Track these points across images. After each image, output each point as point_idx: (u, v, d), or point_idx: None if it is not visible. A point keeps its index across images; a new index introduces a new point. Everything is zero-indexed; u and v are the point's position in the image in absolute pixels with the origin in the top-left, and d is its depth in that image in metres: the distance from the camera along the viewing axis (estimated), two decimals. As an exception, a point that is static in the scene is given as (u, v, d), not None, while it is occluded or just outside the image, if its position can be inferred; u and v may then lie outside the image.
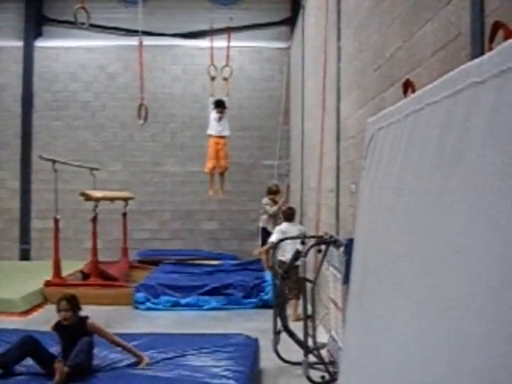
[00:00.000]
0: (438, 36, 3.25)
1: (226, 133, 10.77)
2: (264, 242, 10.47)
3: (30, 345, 4.89)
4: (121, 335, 5.83)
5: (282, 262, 7.69)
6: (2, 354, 4.88)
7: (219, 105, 10.61)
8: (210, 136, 10.76)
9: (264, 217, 10.91)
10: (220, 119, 10.66)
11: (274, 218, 10.71)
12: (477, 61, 1.94)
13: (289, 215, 8.81)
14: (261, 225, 11.00)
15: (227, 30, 11.35)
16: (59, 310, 4.89)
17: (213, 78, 10.94)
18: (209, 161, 10.73)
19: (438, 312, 1.97)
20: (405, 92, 2.97)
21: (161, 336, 5.87)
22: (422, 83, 2.91)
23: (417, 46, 3.66)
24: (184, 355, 5.14)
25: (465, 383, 1.69)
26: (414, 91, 2.88)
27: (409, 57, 3.83)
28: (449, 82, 2.14)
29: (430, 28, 3.41)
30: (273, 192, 11.01)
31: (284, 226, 8.62)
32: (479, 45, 2.64)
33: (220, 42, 11.43)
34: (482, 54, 2.11)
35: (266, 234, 10.48)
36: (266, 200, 10.93)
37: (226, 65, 11.21)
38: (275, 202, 10.82)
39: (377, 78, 4.76)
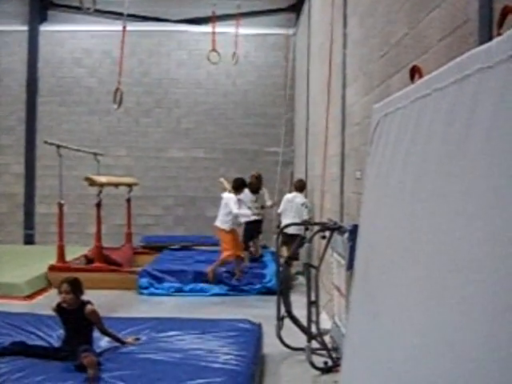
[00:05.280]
0: (446, 22, 3.23)
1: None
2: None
3: (18, 345, 4.74)
4: (124, 319, 5.88)
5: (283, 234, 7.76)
6: None
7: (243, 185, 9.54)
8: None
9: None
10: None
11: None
12: (485, 46, 1.92)
13: (299, 187, 9.37)
14: None
15: (236, 17, 11.16)
16: (60, 292, 4.83)
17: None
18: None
19: (442, 300, 1.97)
20: (412, 78, 2.96)
21: (164, 320, 5.87)
22: (428, 70, 2.89)
23: (424, 32, 3.63)
24: (187, 340, 5.15)
25: (468, 371, 1.70)
26: (421, 77, 2.87)
27: (416, 43, 3.80)
28: (456, 68, 2.12)
29: (437, 14, 3.38)
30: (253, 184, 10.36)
31: (292, 195, 9.48)
32: (487, 31, 2.62)
33: (225, 28, 11.36)
34: (490, 39, 2.09)
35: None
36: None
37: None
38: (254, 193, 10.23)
39: (383, 64, 4.74)
